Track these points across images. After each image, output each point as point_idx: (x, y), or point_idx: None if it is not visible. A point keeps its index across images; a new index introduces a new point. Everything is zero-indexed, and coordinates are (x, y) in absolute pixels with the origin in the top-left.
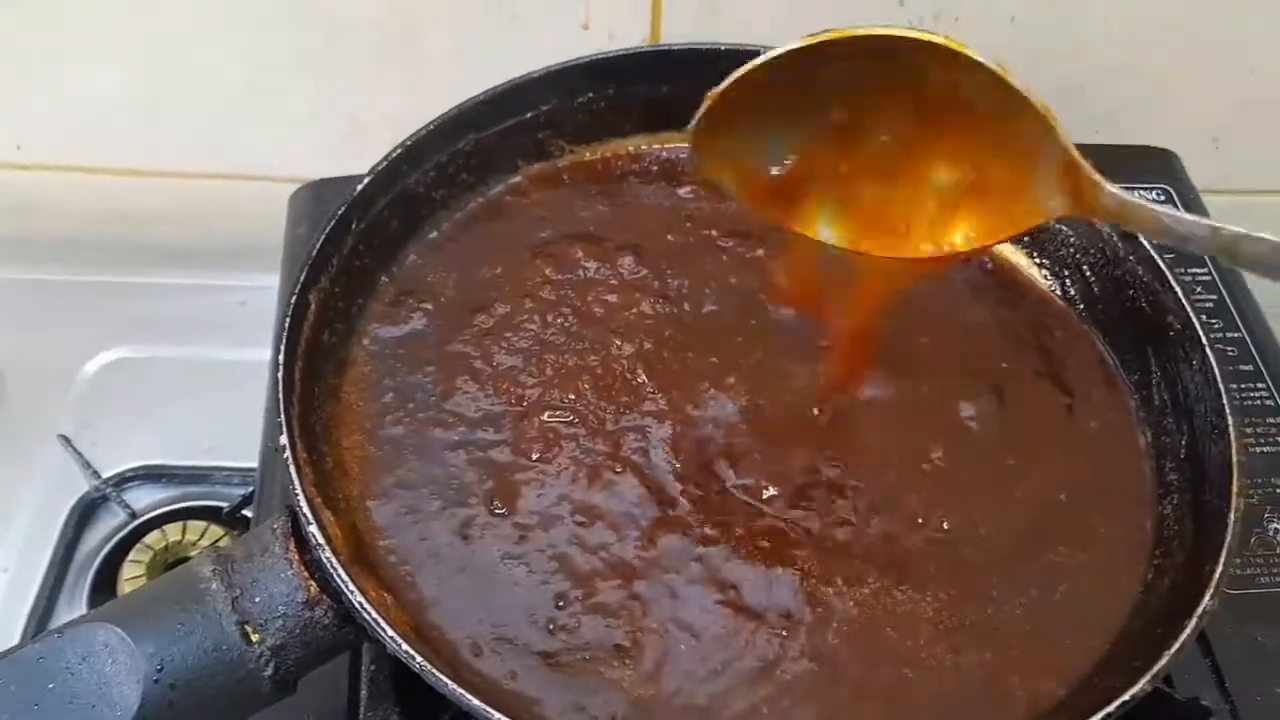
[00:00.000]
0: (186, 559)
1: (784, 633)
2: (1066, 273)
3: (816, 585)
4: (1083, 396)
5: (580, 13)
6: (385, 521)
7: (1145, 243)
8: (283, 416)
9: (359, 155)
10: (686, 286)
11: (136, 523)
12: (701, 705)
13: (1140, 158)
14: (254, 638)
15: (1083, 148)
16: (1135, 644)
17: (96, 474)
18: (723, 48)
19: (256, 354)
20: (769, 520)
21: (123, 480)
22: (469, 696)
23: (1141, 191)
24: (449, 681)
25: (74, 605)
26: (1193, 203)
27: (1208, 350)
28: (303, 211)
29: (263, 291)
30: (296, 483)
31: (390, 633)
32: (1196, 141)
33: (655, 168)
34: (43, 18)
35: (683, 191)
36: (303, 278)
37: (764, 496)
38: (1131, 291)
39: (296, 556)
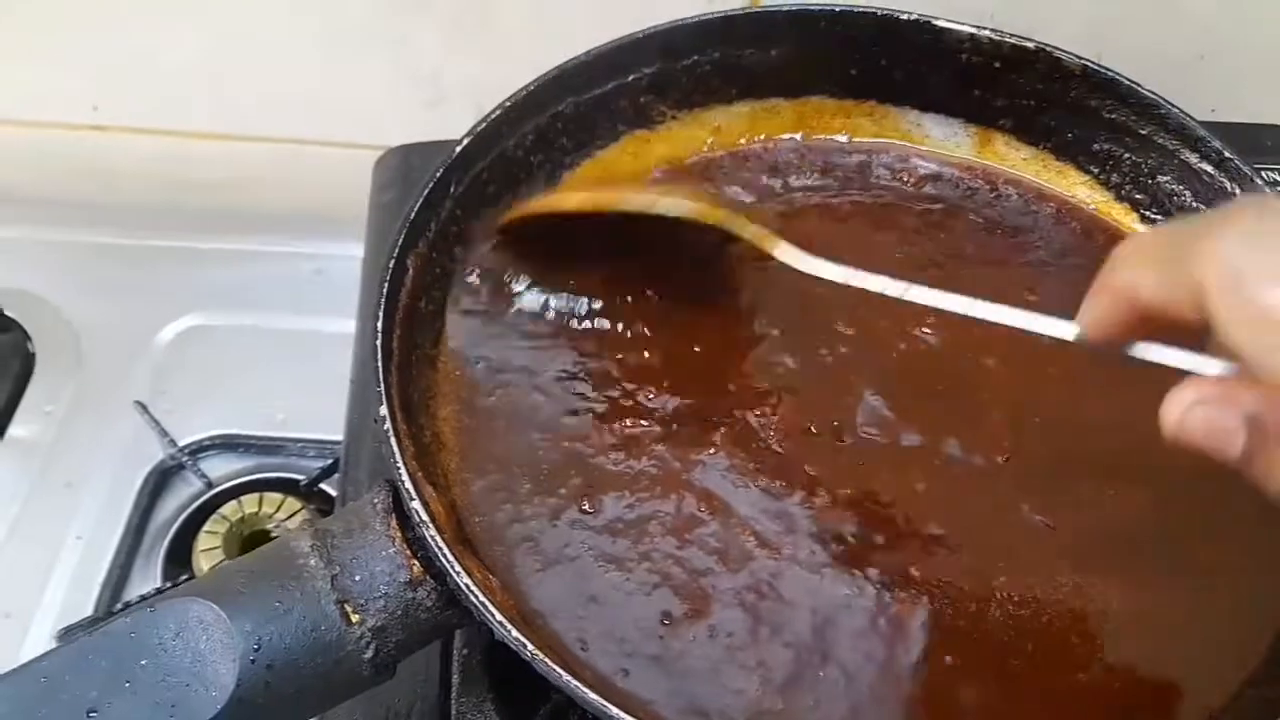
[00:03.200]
0: (263, 531)
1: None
2: None
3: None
4: None
5: None
6: (478, 499)
7: None
8: (382, 386)
9: (439, 122)
10: None
11: (212, 492)
12: None
13: (1268, 137)
14: (354, 618)
15: (1212, 127)
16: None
17: (173, 442)
18: (836, 9)
19: (332, 323)
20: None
21: (199, 449)
22: (584, 690)
23: (1271, 174)
24: (563, 673)
25: (148, 574)
26: None
27: None
28: (389, 177)
29: (339, 260)
30: (399, 455)
31: (499, 617)
32: None
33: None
34: None
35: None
36: (400, 241)
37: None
38: None
39: (399, 534)
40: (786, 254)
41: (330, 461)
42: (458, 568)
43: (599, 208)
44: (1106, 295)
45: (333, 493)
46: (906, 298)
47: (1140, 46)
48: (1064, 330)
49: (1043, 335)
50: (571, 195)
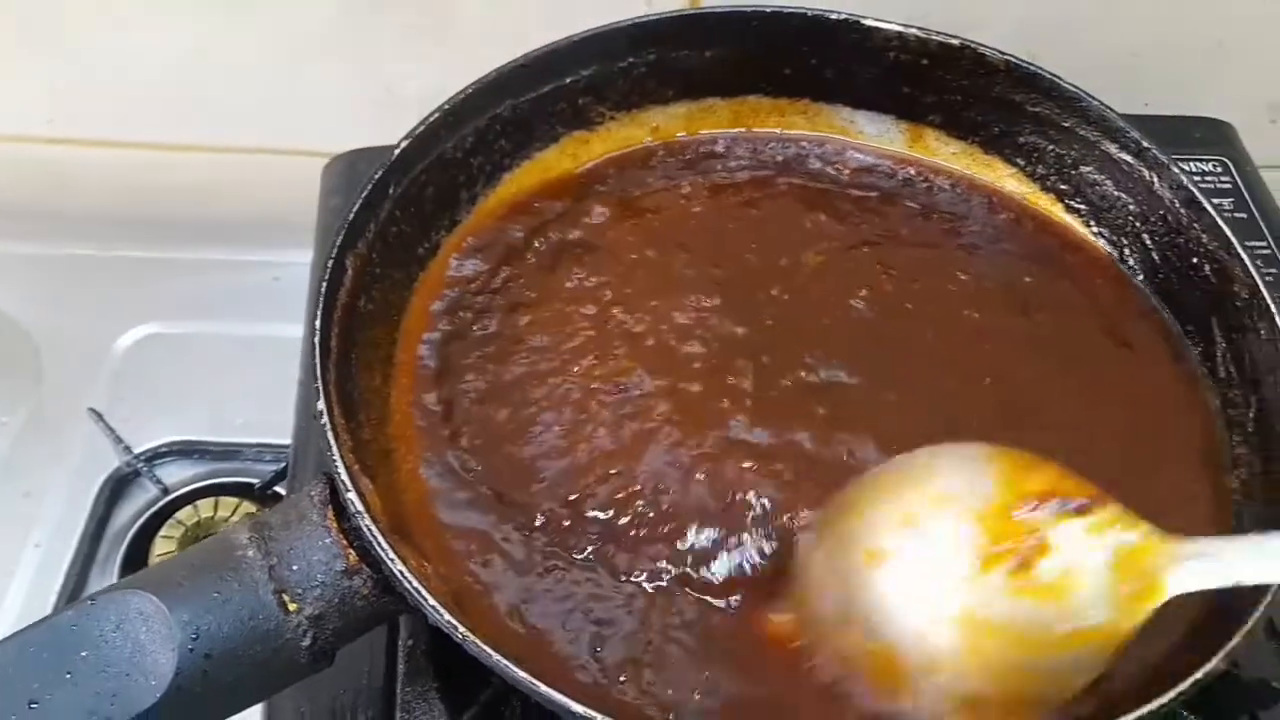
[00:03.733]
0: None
1: None
2: (1125, 241)
3: None
4: (1147, 363)
5: None
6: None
7: (1209, 208)
8: (319, 381)
9: (393, 130)
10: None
11: (168, 498)
12: None
13: (1195, 130)
14: (292, 607)
15: (1134, 120)
16: (1204, 623)
17: (128, 449)
18: (767, 10)
19: (289, 330)
20: None
21: (155, 456)
22: (512, 667)
23: (1197, 163)
24: (491, 652)
25: (105, 580)
26: (1249, 175)
27: (1276, 317)
28: (336, 183)
29: (296, 267)
30: (335, 448)
31: (432, 602)
32: (1254, 114)
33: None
34: None
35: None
36: (339, 241)
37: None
38: (1195, 260)
39: (335, 524)
40: None
41: (284, 465)
42: (391, 555)
43: None
44: None
45: None
46: None
47: (1074, 45)
48: None
49: None
50: None
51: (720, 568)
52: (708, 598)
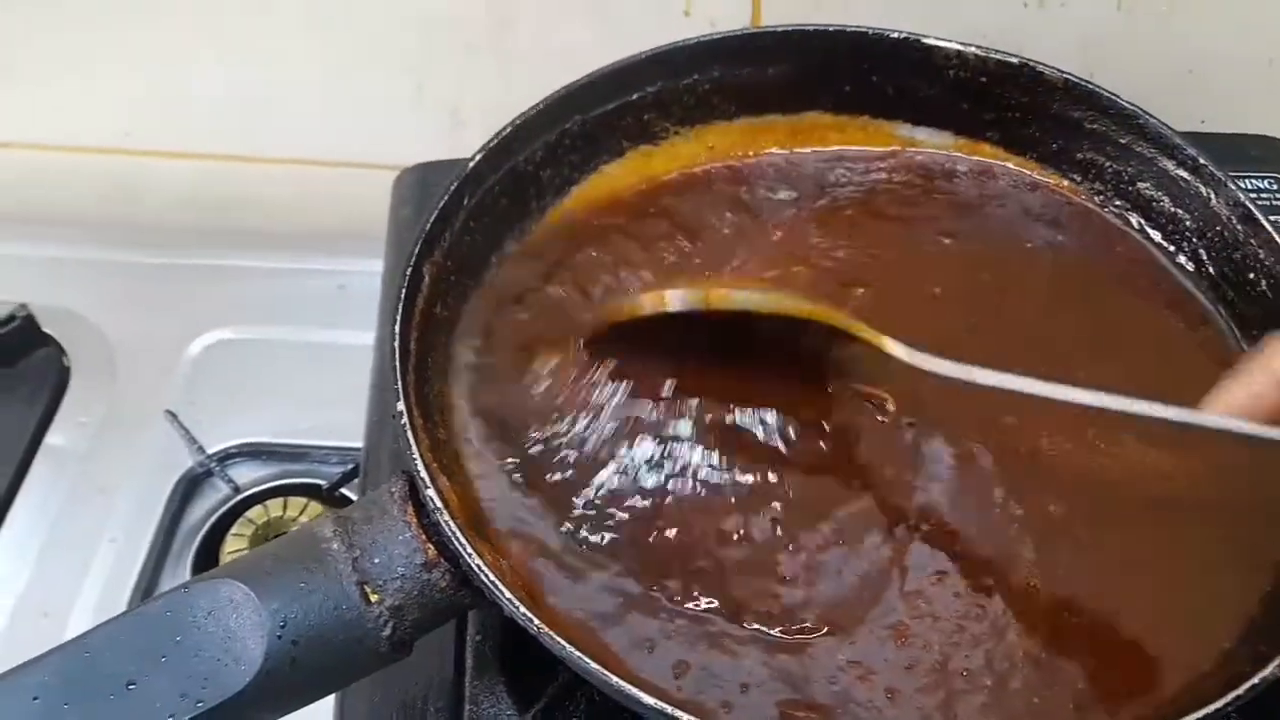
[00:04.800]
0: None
1: None
2: (1184, 256)
3: None
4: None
5: (681, 1)
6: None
7: (1266, 224)
8: (399, 383)
9: (458, 145)
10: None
11: (239, 498)
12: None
13: (1252, 147)
14: (373, 598)
15: (1190, 137)
16: (1263, 623)
17: (201, 449)
18: (829, 29)
19: (354, 337)
20: None
21: (226, 456)
22: (586, 660)
23: (1253, 180)
24: (566, 644)
25: (178, 577)
26: None
27: None
28: (406, 194)
29: (362, 276)
30: (414, 446)
31: (509, 595)
32: None
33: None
34: (154, 9)
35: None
36: (417, 249)
37: None
38: (1252, 274)
39: (414, 520)
40: (901, 351)
41: (351, 467)
42: (469, 550)
43: (707, 307)
44: (1263, 376)
45: (353, 496)
46: (1028, 391)
47: (1131, 63)
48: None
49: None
50: (675, 293)
51: None
52: None
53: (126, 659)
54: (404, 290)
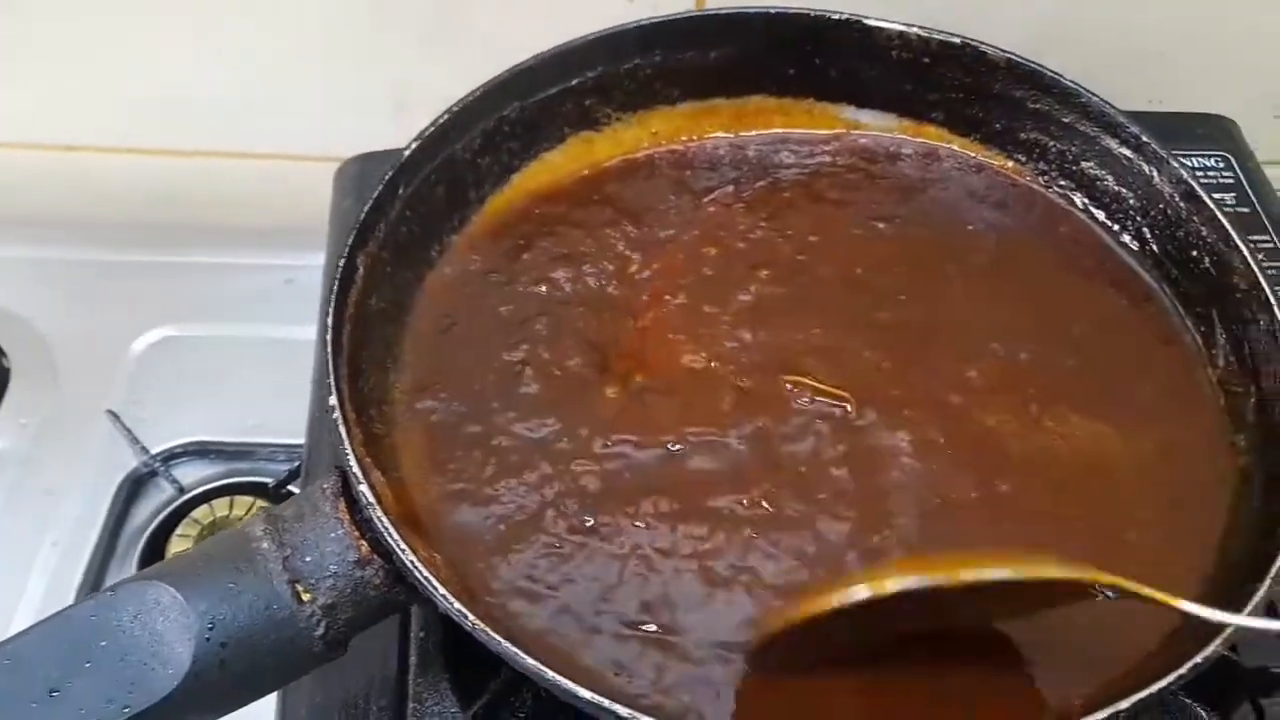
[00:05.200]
0: None
1: None
2: (1128, 234)
3: None
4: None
5: None
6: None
7: (1209, 202)
8: (332, 376)
9: (404, 134)
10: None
11: (184, 498)
12: None
13: (1199, 125)
14: (305, 597)
15: (1136, 116)
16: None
17: (145, 449)
18: (771, 11)
19: (302, 332)
20: None
21: (170, 456)
22: (520, 654)
23: (1199, 159)
24: (500, 639)
25: (123, 578)
26: (1253, 172)
27: (1276, 309)
28: (348, 186)
29: (308, 270)
30: (346, 442)
31: (442, 591)
32: (1258, 111)
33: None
34: (92, 3)
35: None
36: (351, 241)
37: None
38: (1195, 252)
39: (347, 516)
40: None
41: (297, 464)
42: (403, 545)
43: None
44: None
45: None
46: None
47: (1083, 43)
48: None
49: None
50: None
51: None
52: None
53: (50, 665)
54: (337, 282)
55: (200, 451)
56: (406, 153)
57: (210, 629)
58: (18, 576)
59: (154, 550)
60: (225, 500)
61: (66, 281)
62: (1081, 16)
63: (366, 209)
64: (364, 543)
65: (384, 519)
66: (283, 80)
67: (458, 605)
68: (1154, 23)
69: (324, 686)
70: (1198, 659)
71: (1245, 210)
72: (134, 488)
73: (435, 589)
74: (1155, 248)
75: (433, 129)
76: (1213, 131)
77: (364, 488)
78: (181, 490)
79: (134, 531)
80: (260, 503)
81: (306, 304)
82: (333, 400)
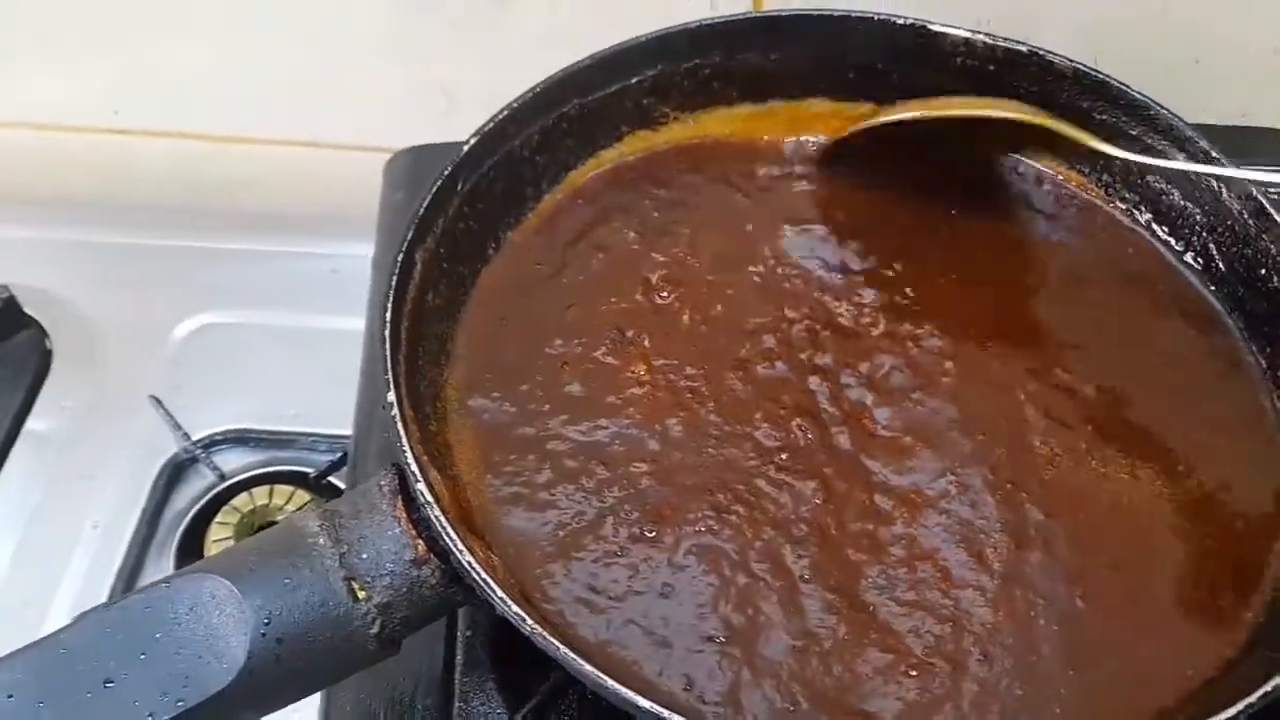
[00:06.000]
0: (273, 522)
1: None
2: (1193, 250)
3: None
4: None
5: None
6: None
7: (1278, 218)
8: (389, 373)
9: (450, 126)
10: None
11: (224, 485)
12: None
13: (1262, 140)
14: (361, 595)
15: (1201, 129)
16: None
17: (186, 435)
18: (835, 14)
19: (345, 322)
20: None
21: (211, 443)
22: (580, 661)
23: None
24: (559, 645)
25: (162, 564)
26: None
27: None
28: (399, 178)
29: (353, 260)
30: (404, 439)
31: (500, 594)
32: None
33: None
34: None
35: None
36: (409, 236)
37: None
38: (1263, 270)
39: (404, 514)
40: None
41: (339, 455)
42: (460, 546)
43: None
44: None
45: (341, 485)
46: None
47: (1135, 52)
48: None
49: None
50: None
51: None
52: None
53: (105, 656)
54: (395, 277)
55: (241, 439)
56: (466, 147)
57: (266, 624)
58: (58, 559)
59: (193, 536)
60: (265, 489)
61: (111, 265)
62: (1135, 22)
63: (425, 204)
64: (420, 541)
65: (442, 518)
66: (329, 71)
67: (515, 608)
68: (1207, 32)
69: (370, 684)
70: (1268, 687)
71: None
72: (174, 473)
73: (494, 591)
74: (1222, 265)
75: (492, 124)
76: (1276, 147)
77: (422, 486)
78: (222, 477)
79: (174, 517)
80: (300, 493)
81: (350, 294)
82: (390, 396)
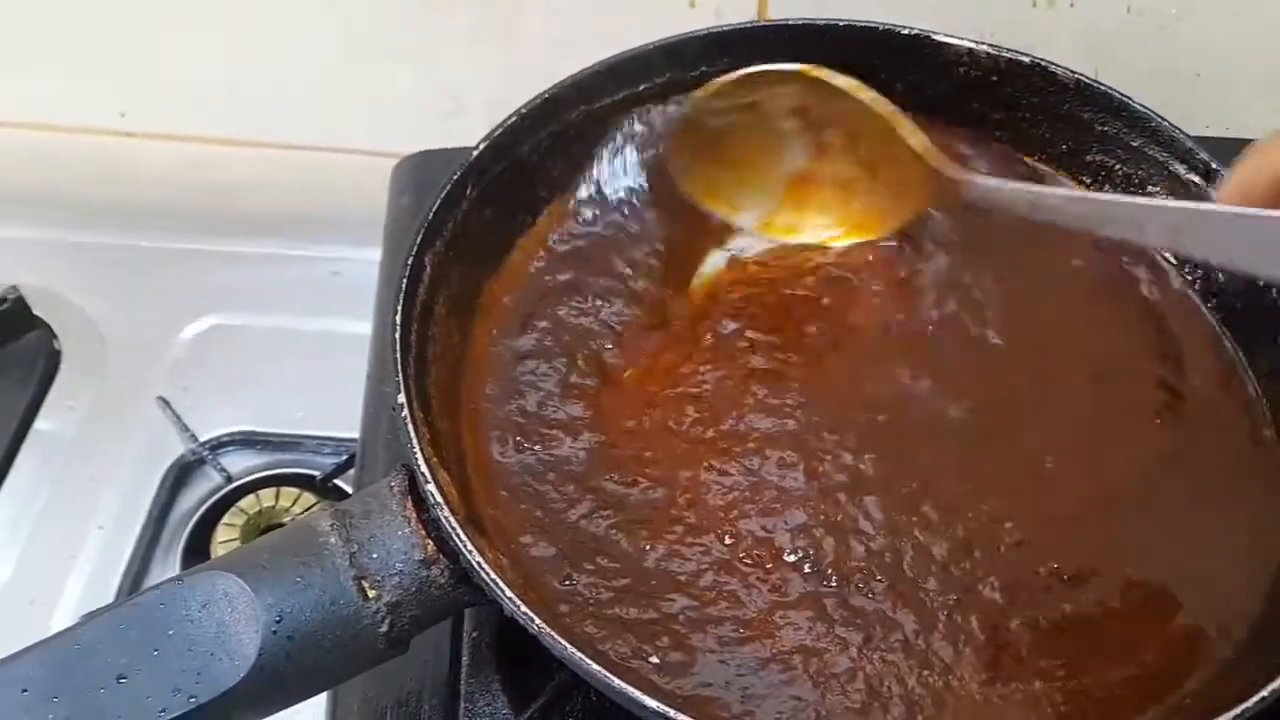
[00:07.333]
0: (279, 524)
1: None
2: (1187, 265)
3: None
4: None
5: None
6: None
7: None
8: (399, 375)
9: (456, 131)
10: None
11: (231, 486)
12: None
13: None
14: (371, 594)
15: (1200, 141)
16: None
17: (193, 437)
18: (840, 24)
19: (349, 325)
20: None
21: (218, 444)
22: (588, 662)
23: None
24: (568, 645)
25: (168, 565)
26: None
27: None
28: (406, 182)
29: (357, 264)
30: (414, 441)
31: (509, 594)
32: None
33: None
34: None
35: None
36: (418, 240)
37: None
38: (1262, 283)
39: (414, 515)
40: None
41: (345, 458)
42: (470, 547)
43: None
44: (1257, 157)
45: (347, 488)
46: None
47: (1137, 64)
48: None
49: None
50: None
51: None
52: None
53: (118, 651)
54: (405, 280)
55: (247, 441)
56: (475, 152)
57: (278, 622)
58: (64, 560)
59: (200, 538)
60: (272, 491)
61: (120, 267)
62: (1138, 36)
63: (434, 208)
64: (430, 542)
65: (451, 519)
66: (338, 75)
67: (524, 608)
68: (1211, 47)
69: (377, 684)
70: (1265, 692)
71: None
72: (181, 474)
73: (502, 591)
74: (1221, 278)
75: (501, 130)
76: None
77: (431, 487)
78: (229, 479)
79: (180, 518)
80: (306, 494)
81: (354, 297)
82: (401, 398)
